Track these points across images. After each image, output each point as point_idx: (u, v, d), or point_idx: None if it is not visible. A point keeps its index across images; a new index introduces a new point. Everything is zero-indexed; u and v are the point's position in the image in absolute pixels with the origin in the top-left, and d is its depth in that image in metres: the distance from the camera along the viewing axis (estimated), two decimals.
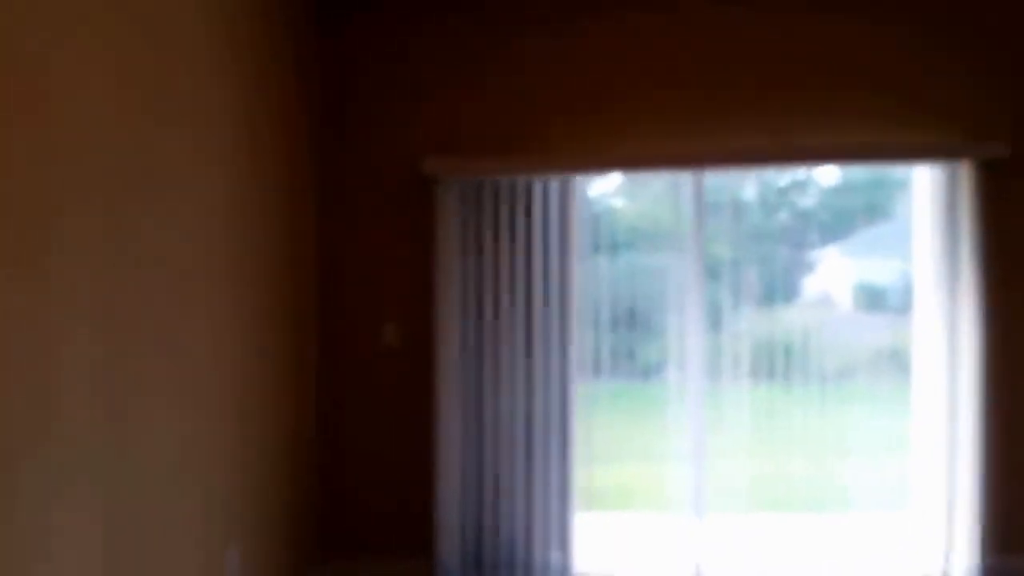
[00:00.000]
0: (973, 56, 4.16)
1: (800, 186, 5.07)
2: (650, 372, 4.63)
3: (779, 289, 4.69)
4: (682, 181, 4.39)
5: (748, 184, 4.63)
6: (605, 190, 4.68)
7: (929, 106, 4.17)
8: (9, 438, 2.17)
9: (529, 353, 4.30)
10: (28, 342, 2.25)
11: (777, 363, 4.50)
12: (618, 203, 4.78)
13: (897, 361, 4.48)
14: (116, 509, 2.66)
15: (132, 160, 2.74)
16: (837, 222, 4.88)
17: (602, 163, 4.27)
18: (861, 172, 4.71)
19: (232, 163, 3.51)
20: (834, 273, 4.83)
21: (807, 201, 5.11)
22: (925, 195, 4.28)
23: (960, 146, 4.10)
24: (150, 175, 2.86)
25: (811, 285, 4.87)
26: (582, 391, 4.36)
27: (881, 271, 4.77)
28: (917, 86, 4.17)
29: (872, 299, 4.77)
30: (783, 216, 5.00)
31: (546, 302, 4.29)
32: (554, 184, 4.28)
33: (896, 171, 4.51)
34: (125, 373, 2.70)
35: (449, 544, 4.29)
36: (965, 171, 4.10)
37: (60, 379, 2.39)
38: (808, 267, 4.89)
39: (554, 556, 4.31)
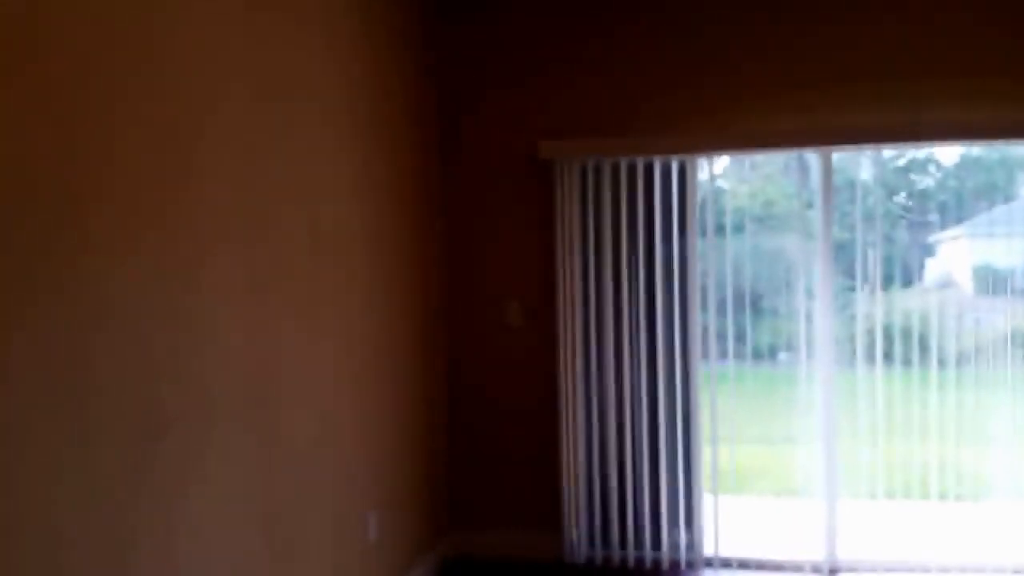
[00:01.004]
0: None
1: (920, 165, 4.98)
2: (773, 354, 4.58)
3: (900, 272, 4.60)
4: (803, 160, 4.34)
5: (865, 164, 4.55)
6: (721, 171, 4.64)
7: None
8: (156, 411, 2.24)
9: (651, 333, 4.29)
10: (184, 339, 2.33)
11: (901, 347, 4.41)
12: (735, 184, 4.74)
13: None
14: (265, 477, 2.76)
15: (271, 145, 2.82)
16: (958, 203, 4.78)
17: (721, 143, 4.22)
18: (981, 151, 4.61)
19: (363, 149, 3.58)
20: (956, 255, 4.74)
21: (927, 181, 5.01)
22: None
23: None
24: (287, 161, 2.94)
25: (933, 267, 4.77)
26: (705, 372, 4.33)
27: (1005, 253, 4.66)
28: None
29: (996, 282, 4.66)
30: (902, 197, 4.92)
31: (666, 282, 4.28)
32: (673, 164, 4.26)
33: (1018, 149, 4.38)
34: (271, 357, 2.79)
35: (575, 520, 4.31)
36: None
37: (215, 362, 2.47)
38: (929, 249, 4.80)
39: (681, 536, 4.29)
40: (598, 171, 4.30)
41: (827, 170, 4.21)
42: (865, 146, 4.14)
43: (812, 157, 4.27)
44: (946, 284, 4.73)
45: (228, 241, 2.55)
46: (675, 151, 4.20)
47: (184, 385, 2.31)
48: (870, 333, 4.35)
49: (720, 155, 4.31)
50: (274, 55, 2.84)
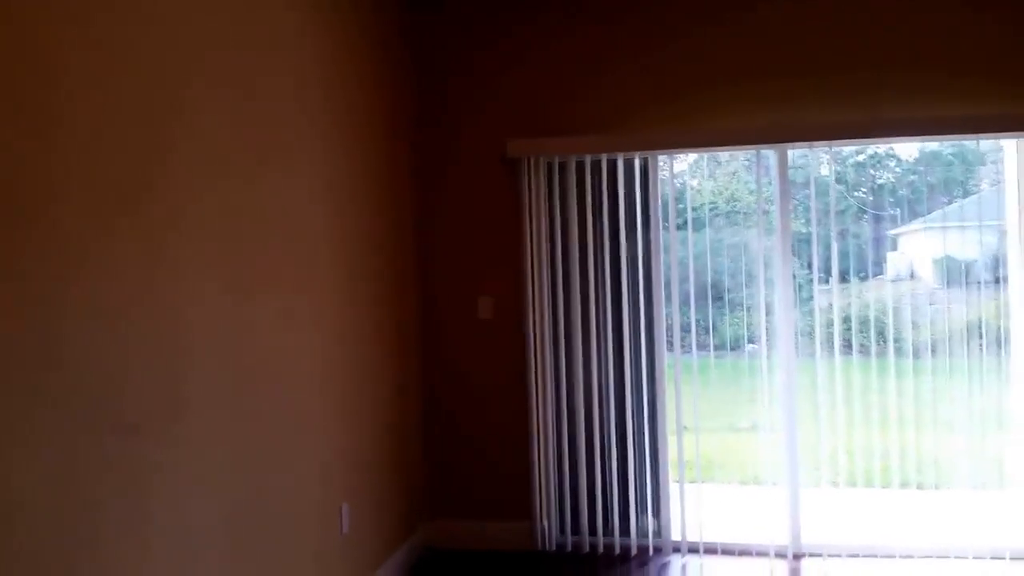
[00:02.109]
0: None
1: (880, 161, 5.11)
2: (736, 345, 4.70)
3: (860, 264, 4.72)
4: (763, 157, 4.45)
5: (824, 160, 4.66)
6: (686, 167, 4.75)
7: (1019, 77, 4.12)
8: (134, 407, 2.31)
9: (618, 326, 4.40)
10: (157, 333, 2.38)
11: (862, 337, 4.53)
12: (697, 181, 4.85)
13: (987, 335, 4.48)
14: (239, 470, 2.82)
15: (245, 143, 2.91)
16: (918, 197, 4.90)
17: (684, 140, 4.33)
18: (940, 146, 4.73)
19: (337, 146, 3.67)
20: (916, 248, 4.86)
21: (887, 176, 5.14)
22: (1016, 165, 4.27)
23: None
24: (262, 158, 3.03)
25: (893, 260, 4.89)
26: (670, 363, 4.44)
27: (965, 245, 4.77)
28: (1007, 56, 4.12)
29: (955, 273, 4.78)
30: (862, 192, 5.04)
31: (632, 276, 4.39)
32: (636, 161, 4.37)
33: (975, 145, 4.49)
34: (245, 351, 2.85)
35: (546, 509, 4.43)
36: None
37: (188, 357, 2.51)
38: (889, 242, 4.93)
39: (649, 523, 4.40)
40: (564, 168, 4.42)
41: (783, 167, 4.33)
42: (819, 143, 4.26)
43: (770, 154, 4.39)
44: (906, 276, 4.86)
45: (203, 235, 2.60)
46: (637, 148, 4.32)
47: (156, 380, 2.35)
48: (831, 324, 4.47)
49: (681, 152, 4.43)
50: (246, 55, 2.91)
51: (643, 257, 4.39)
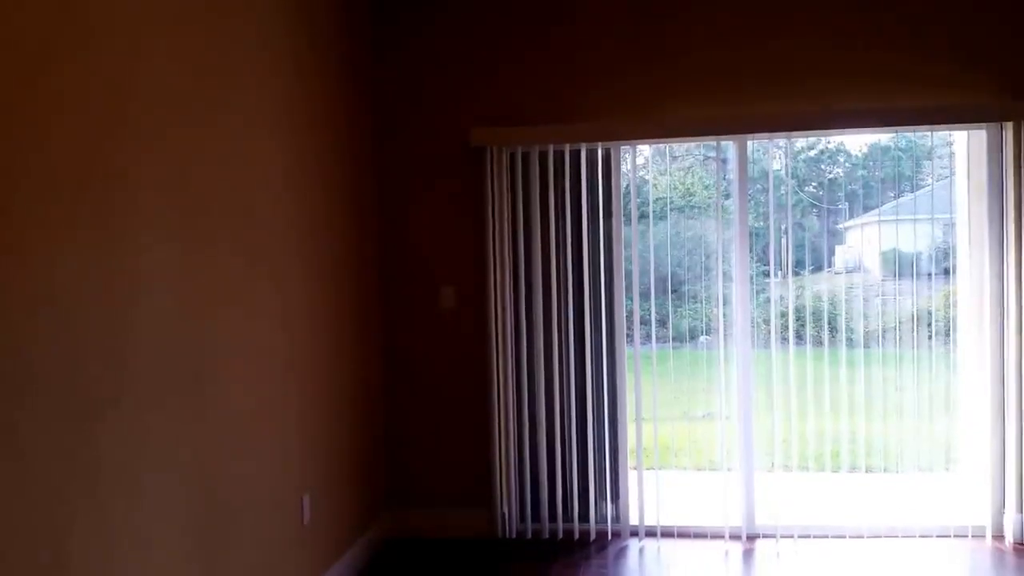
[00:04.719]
0: (1017, 16, 4.21)
1: (830, 156, 5.25)
2: (693, 336, 4.80)
3: (811, 257, 4.85)
4: (720, 151, 4.54)
5: (778, 155, 4.77)
6: (644, 161, 4.84)
7: (971, 68, 4.23)
8: (89, 395, 2.27)
9: (579, 316, 4.47)
10: (117, 320, 2.35)
11: (813, 327, 4.66)
12: (656, 175, 4.94)
13: (935, 325, 4.63)
14: (200, 459, 2.81)
15: (204, 131, 2.88)
16: (867, 191, 5.05)
17: (645, 131, 4.39)
18: (889, 141, 4.87)
19: (298, 134, 3.66)
20: (865, 241, 5.00)
21: (837, 171, 5.29)
22: (966, 158, 4.42)
23: (1005, 108, 4.16)
24: (221, 145, 3.00)
25: (843, 253, 5.04)
26: (629, 353, 4.53)
27: (913, 238, 4.92)
28: (960, 47, 4.23)
29: (902, 265, 4.93)
30: (813, 186, 5.18)
31: (593, 267, 4.46)
32: (599, 151, 4.44)
33: (924, 140, 4.64)
34: (206, 338, 2.83)
35: (506, 496, 4.48)
36: (1011, 134, 4.17)
37: (149, 344, 2.49)
38: (839, 236, 5.07)
39: (607, 509, 4.48)
40: (527, 158, 4.47)
41: (743, 158, 4.43)
42: (779, 134, 4.37)
43: (729, 146, 4.49)
44: (855, 268, 5.01)
45: (162, 224, 2.58)
46: (599, 138, 4.39)
47: (118, 367, 2.33)
48: (784, 315, 4.59)
49: (643, 143, 4.50)
50: (205, 41, 2.89)
51: (604, 248, 4.46)
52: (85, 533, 2.19)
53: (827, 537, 4.41)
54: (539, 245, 4.46)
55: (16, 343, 1.96)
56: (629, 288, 4.52)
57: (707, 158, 5.03)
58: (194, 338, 2.76)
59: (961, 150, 4.53)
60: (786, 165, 4.68)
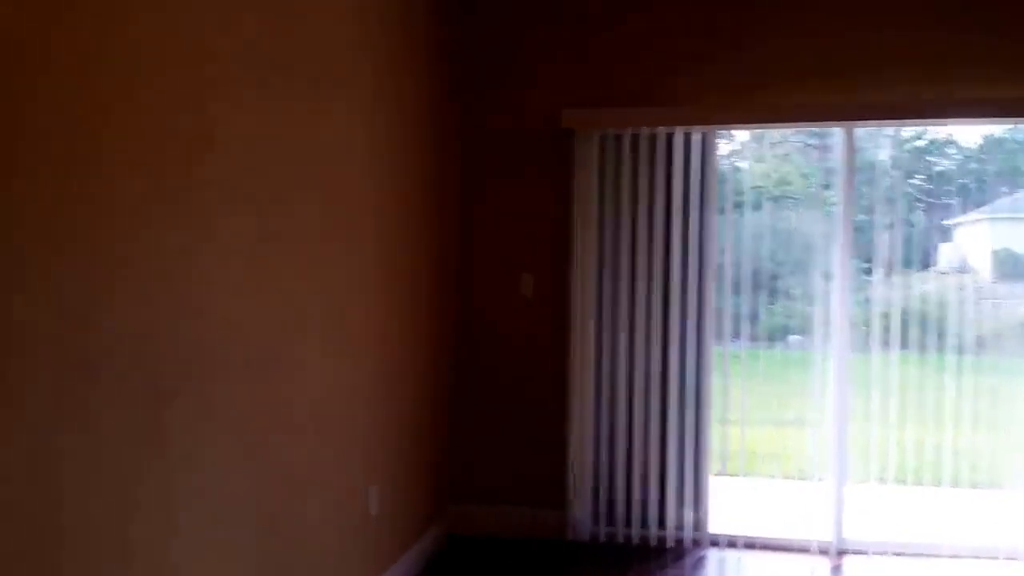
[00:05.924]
0: None
1: (939, 147, 4.90)
2: (786, 335, 4.53)
3: (916, 255, 4.53)
4: (822, 139, 4.26)
5: (884, 144, 4.46)
6: (740, 147, 4.56)
7: None
8: (161, 370, 2.16)
9: (665, 310, 4.22)
10: (190, 301, 2.25)
11: (917, 331, 4.34)
12: (751, 163, 4.65)
13: None
14: (268, 446, 2.69)
15: (286, 110, 2.75)
16: (978, 186, 4.70)
17: (747, 115, 4.14)
18: (1004, 133, 4.53)
19: (382, 114, 3.49)
20: (974, 239, 4.66)
21: (946, 163, 4.93)
22: None
23: None
24: (303, 126, 2.86)
25: (948, 251, 4.70)
26: (718, 352, 4.27)
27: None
28: None
29: (1015, 267, 4.59)
30: (920, 179, 4.84)
31: (683, 259, 4.21)
32: (695, 136, 4.18)
33: None
34: (279, 322, 2.71)
35: (581, 497, 4.27)
36: None
37: (221, 326, 2.38)
38: (946, 232, 4.73)
39: (687, 515, 4.25)
40: (618, 141, 4.23)
41: (850, 147, 4.13)
42: (890, 122, 4.07)
43: (835, 134, 4.19)
44: (962, 268, 4.67)
45: (240, 203, 2.46)
46: (697, 122, 4.12)
47: (189, 349, 2.24)
48: (885, 316, 4.29)
49: (744, 128, 4.25)
50: (297, 13, 2.76)
51: (697, 240, 4.19)
52: (150, 516, 2.10)
53: (923, 556, 4.12)
54: (627, 233, 4.23)
55: (92, 318, 1.87)
56: (722, 283, 4.26)
57: (807, 145, 4.71)
58: (268, 315, 2.64)
59: None
60: (892, 155, 4.37)
